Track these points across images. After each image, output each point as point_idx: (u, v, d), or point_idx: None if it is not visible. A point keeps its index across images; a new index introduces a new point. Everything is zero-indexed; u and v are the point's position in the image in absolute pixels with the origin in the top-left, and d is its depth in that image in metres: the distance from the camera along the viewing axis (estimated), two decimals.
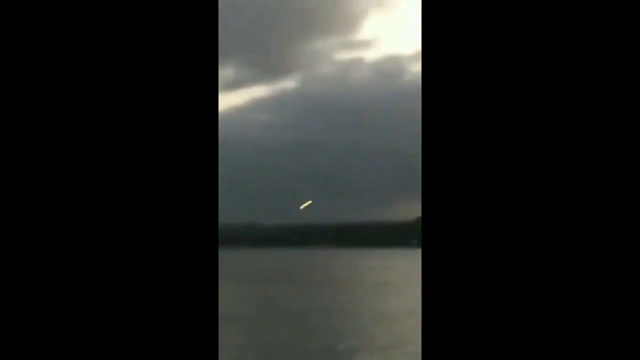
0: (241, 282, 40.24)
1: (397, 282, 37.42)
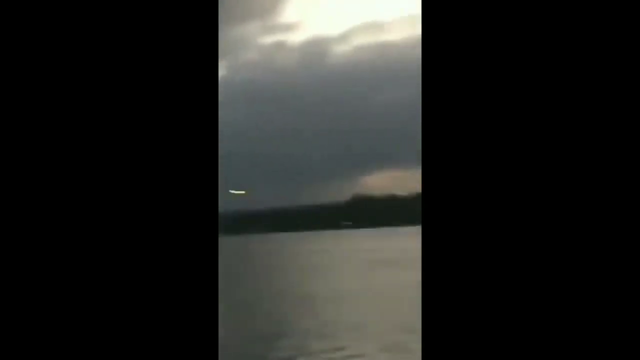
0: None
1: (324, 265, 38.01)
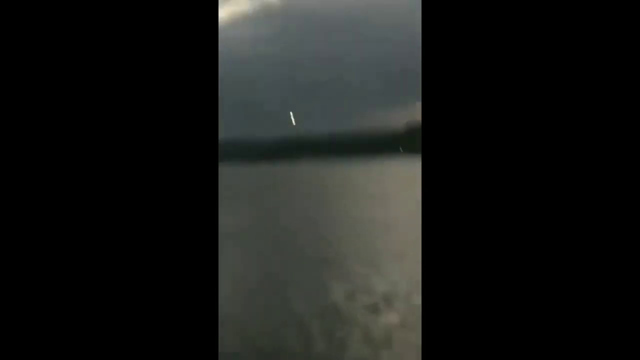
0: (234, 198, 40.67)
1: (386, 192, 38.09)
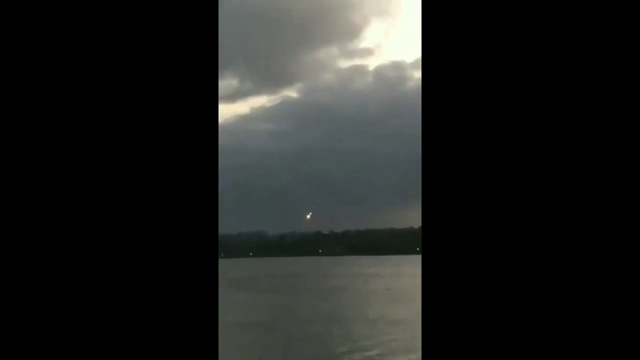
0: (252, 290, 40.46)
1: (405, 289, 37.68)
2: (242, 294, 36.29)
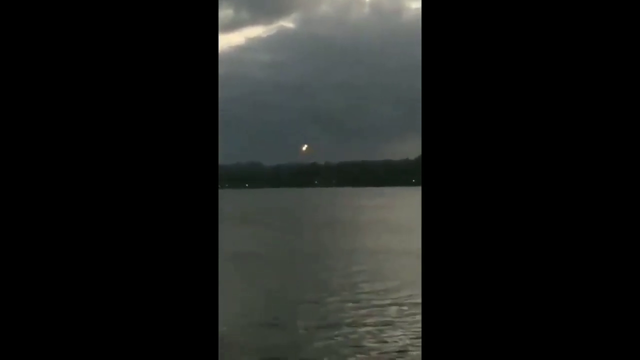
0: (245, 222, 40.61)
1: (399, 221, 37.70)
2: (236, 226, 36.22)
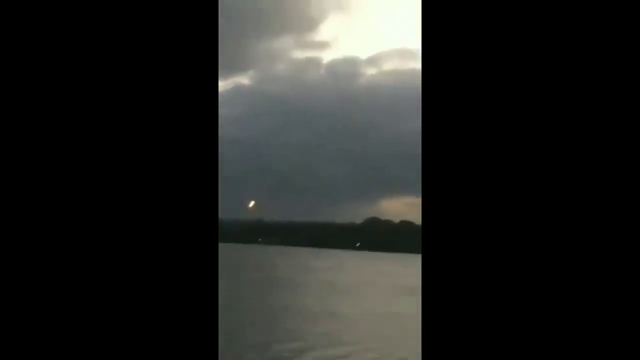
0: None
1: (344, 283, 37.67)
2: None
